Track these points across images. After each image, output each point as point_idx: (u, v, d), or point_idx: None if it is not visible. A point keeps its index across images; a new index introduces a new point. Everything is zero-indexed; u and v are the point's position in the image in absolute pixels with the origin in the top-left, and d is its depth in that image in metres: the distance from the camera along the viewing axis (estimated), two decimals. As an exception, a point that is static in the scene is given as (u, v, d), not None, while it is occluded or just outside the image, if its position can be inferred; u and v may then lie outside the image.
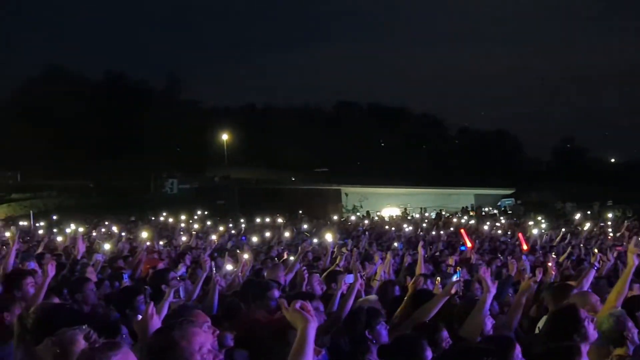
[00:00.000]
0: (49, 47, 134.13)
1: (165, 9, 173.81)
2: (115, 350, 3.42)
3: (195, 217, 37.11)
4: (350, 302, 7.36)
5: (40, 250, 15.27)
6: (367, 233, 26.18)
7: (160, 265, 11.00)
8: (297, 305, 3.59)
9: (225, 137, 70.56)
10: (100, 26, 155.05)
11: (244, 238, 22.28)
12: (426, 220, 37.53)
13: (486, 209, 53.04)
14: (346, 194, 58.47)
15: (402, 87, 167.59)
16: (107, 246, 14.23)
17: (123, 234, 22.05)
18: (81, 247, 11.68)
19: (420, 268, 11.51)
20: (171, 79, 73.18)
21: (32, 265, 10.22)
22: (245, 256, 10.90)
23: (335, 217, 41.55)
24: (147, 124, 65.71)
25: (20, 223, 29.47)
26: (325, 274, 10.12)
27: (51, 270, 6.60)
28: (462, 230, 19.82)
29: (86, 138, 62.83)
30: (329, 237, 16.72)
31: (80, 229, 24.56)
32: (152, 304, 4.34)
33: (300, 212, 44.08)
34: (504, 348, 4.73)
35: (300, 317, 3.55)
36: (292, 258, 11.98)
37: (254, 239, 21.29)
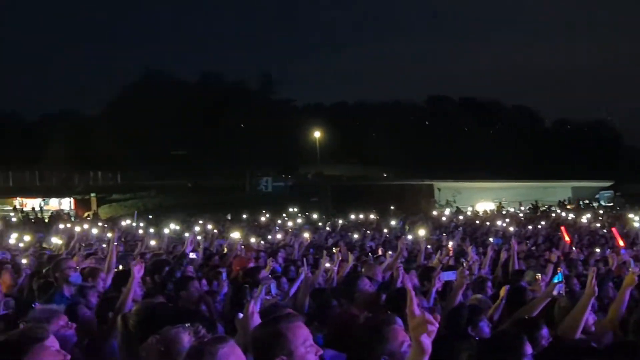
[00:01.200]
0: (147, 52, 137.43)
1: (254, 9, 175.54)
2: (223, 343, 3.52)
3: (290, 214, 37.43)
4: (458, 298, 7.29)
5: (139, 249, 15.68)
6: (460, 228, 25.92)
7: (251, 264, 11.15)
8: (427, 314, 3.49)
9: (317, 134, 70.95)
10: (194, 29, 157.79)
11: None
12: (521, 215, 36.88)
13: (585, 202, 51.78)
14: (439, 189, 57.93)
15: (495, 80, 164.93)
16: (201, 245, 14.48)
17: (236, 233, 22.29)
18: (189, 246, 11.93)
19: (514, 264, 11.35)
20: (265, 78, 73.94)
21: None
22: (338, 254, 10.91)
23: (430, 213, 41.24)
24: (242, 123, 66.58)
25: (122, 223, 30.24)
26: (420, 271, 10.09)
27: (138, 271, 6.69)
28: (563, 228, 19.26)
29: (184, 139, 64.10)
30: (422, 233, 16.64)
31: (177, 227, 25.19)
32: (252, 301, 4.43)
33: (393, 208, 43.98)
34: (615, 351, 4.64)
35: (422, 326, 3.43)
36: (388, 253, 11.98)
37: (355, 235, 21.37)
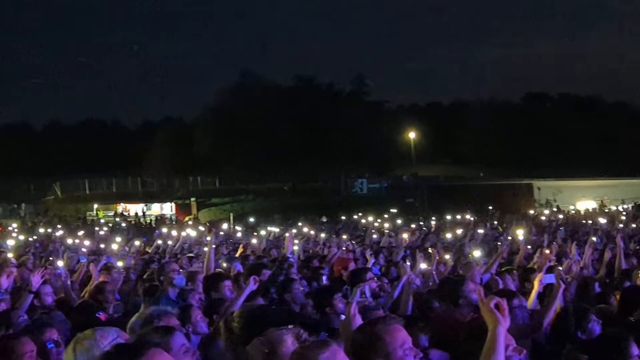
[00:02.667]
0: (243, 56, 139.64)
1: (345, 11, 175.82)
2: (324, 348, 3.55)
3: (386, 215, 37.35)
4: (555, 304, 7.14)
5: (240, 252, 15.93)
6: (562, 228, 25.34)
7: (352, 265, 11.15)
8: (492, 303, 3.60)
9: (412, 135, 70.58)
10: (288, 32, 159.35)
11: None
12: (624, 213, 35.81)
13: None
14: (538, 188, 56.75)
15: (594, 76, 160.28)
16: (296, 248, 14.60)
17: (323, 234, 22.41)
18: (289, 248, 12.08)
19: (621, 263, 11.04)
20: (358, 80, 73.93)
21: (238, 267, 10.68)
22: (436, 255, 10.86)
23: (528, 212, 40.45)
24: (336, 126, 66.80)
25: (224, 226, 30.73)
26: (520, 272, 9.93)
27: (253, 284, 6.80)
28: None
29: (280, 142, 64.77)
30: (520, 233, 16.32)
31: (276, 230, 25.46)
32: (354, 303, 4.47)
33: (491, 207, 43.35)
34: None
35: (492, 316, 3.57)
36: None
37: (449, 235, 21.20)
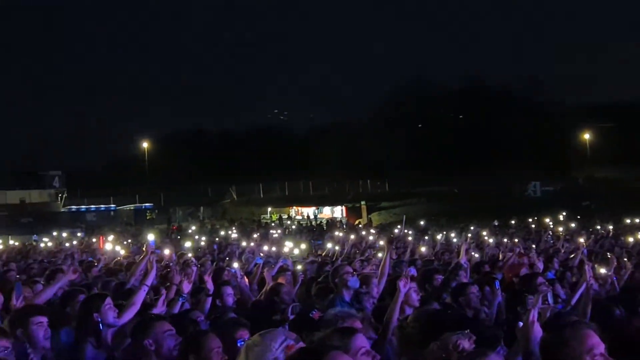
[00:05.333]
0: (412, 59, 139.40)
1: (511, 9, 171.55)
2: (483, 357, 3.55)
3: (561, 218, 36.20)
4: None
5: (407, 256, 15.93)
6: None
7: (524, 271, 10.92)
8: None
9: (587, 136, 68.14)
10: (457, 33, 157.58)
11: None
12: None
13: None
14: None
15: None
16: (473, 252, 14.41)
17: (491, 239, 22.03)
18: (464, 255, 11.96)
19: None
20: (531, 81, 72.24)
21: (413, 271, 10.69)
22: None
23: None
24: (508, 128, 65.59)
25: (395, 230, 30.80)
26: None
27: (403, 285, 6.81)
28: None
29: (450, 145, 64.32)
30: None
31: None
32: (533, 310, 4.40)
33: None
34: None
35: None
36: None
37: (630, 239, 20.21)
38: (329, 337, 4.08)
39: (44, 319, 5.60)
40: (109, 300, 6.43)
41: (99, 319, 6.15)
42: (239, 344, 5.14)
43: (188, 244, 20.73)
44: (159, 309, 6.78)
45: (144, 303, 6.91)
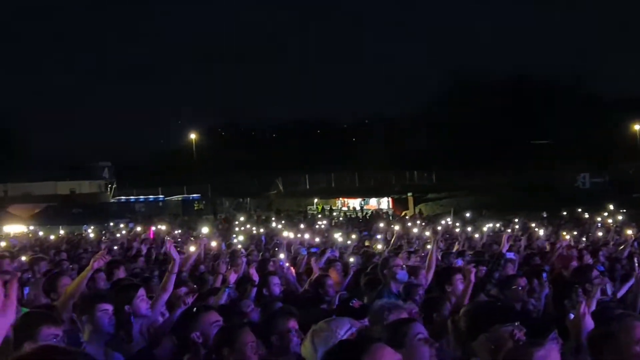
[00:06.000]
0: (456, 51, 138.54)
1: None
2: (539, 347, 3.54)
3: (611, 209, 35.68)
4: None
5: (459, 248, 15.87)
6: None
7: (574, 264, 10.82)
8: None
9: (638, 127, 66.95)
10: (500, 22, 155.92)
11: None
12: None
13: None
14: None
15: None
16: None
17: (541, 231, 21.78)
18: (505, 245, 11.87)
19: None
20: (580, 72, 71.30)
21: (460, 262, 10.67)
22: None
23: None
24: (557, 119, 64.83)
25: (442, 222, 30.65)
26: None
27: (460, 282, 6.84)
28: None
29: (496, 136, 63.80)
30: None
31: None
32: (584, 302, 4.39)
33: None
34: None
35: None
36: None
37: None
38: (368, 331, 4.11)
39: (109, 306, 5.65)
40: (142, 291, 6.40)
41: (130, 312, 6.11)
42: (292, 333, 5.22)
43: (241, 238, 20.86)
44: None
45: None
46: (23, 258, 12.98)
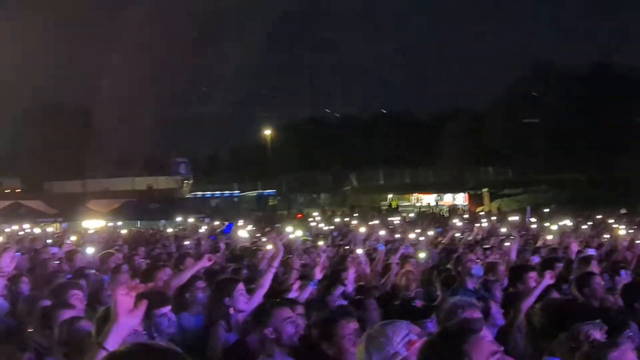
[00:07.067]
0: (535, 43, 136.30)
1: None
2: (613, 348, 3.49)
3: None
4: None
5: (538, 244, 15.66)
6: None
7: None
8: None
9: None
10: (581, 13, 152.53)
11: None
12: None
13: None
14: None
15: None
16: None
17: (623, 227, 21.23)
18: (574, 247, 11.63)
19: None
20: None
21: (536, 259, 10.54)
22: None
23: None
24: (635, 112, 63.22)
25: (511, 218, 30.25)
26: None
27: (549, 278, 6.73)
28: None
29: (575, 131, 62.56)
30: None
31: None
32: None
33: None
34: None
35: None
36: None
37: None
38: (468, 321, 4.04)
39: (167, 309, 5.69)
40: (241, 286, 6.63)
41: (230, 304, 6.35)
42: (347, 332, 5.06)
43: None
44: (293, 293, 6.92)
45: (277, 289, 7.06)
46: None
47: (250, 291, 6.83)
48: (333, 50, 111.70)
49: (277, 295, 6.93)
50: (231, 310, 6.37)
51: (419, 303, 5.68)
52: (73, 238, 20.57)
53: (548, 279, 6.74)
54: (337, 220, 34.64)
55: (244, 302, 6.51)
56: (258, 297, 6.80)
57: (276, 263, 7.22)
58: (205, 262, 7.62)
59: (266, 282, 6.95)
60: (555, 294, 6.98)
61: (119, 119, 78.39)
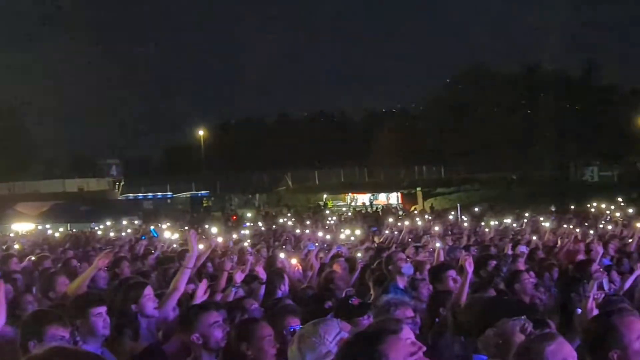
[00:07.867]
0: (466, 46, 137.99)
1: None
2: (550, 341, 3.52)
3: (622, 203, 35.55)
4: None
5: (465, 242, 15.89)
6: None
7: (580, 257, 10.83)
8: None
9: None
10: (513, 19, 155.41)
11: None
12: None
13: None
14: None
15: None
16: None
17: (547, 223, 21.66)
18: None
19: None
20: (589, 65, 70.82)
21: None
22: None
23: None
24: (564, 112, 64.69)
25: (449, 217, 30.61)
26: None
27: (470, 265, 6.80)
28: None
29: (505, 131, 63.62)
30: None
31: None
32: (591, 297, 4.38)
33: None
34: None
35: None
36: None
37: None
38: (385, 322, 4.04)
39: (103, 309, 5.53)
40: (148, 290, 6.18)
41: (137, 311, 5.98)
42: (285, 332, 5.13)
43: (246, 232, 20.75)
44: (200, 299, 6.59)
45: (188, 294, 6.81)
46: (32, 258, 12.91)
47: (159, 296, 6.50)
48: (268, 50, 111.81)
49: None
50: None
51: (355, 301, 5.65)
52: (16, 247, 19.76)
53: (469, 267, 6.82)
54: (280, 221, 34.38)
55: (153, 307, 6.09)
56: (172, 301, 6.44)
57: (190, 263, 6.79)
58: (103, 262, 7.39)
59: (180, 284, 6.53)
60: (491, 291, 7.06)
61: (48, 120, 76.99)
